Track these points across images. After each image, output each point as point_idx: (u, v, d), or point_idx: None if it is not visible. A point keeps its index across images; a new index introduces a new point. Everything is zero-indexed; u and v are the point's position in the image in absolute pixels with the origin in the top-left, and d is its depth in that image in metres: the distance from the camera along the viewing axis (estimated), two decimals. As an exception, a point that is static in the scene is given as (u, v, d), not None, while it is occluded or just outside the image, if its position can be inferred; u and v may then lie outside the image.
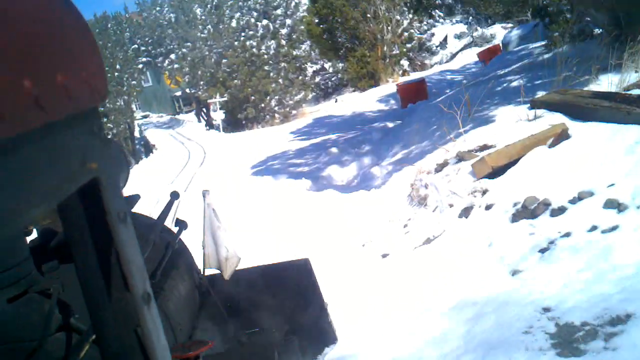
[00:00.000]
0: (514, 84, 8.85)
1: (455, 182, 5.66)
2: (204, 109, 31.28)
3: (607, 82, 6.23)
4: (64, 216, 0.78)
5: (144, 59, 45.17)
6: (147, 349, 0.81)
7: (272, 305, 3.37)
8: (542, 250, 3.80)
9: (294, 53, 29.28)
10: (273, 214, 7.69)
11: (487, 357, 2.92)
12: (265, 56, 28.48)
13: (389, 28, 26.74)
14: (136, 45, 43.78)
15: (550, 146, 5.25)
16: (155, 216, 2.75)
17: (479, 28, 29.15)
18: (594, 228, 3.72)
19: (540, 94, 7.02)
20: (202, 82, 29.53)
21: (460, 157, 6.13)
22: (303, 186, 9.52)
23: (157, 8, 48.74)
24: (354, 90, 28.19)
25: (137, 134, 37.58)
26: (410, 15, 26.99)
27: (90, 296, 0.82)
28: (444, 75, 21.73)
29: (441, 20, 29.78)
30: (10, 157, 0.49)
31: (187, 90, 32.34)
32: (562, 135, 5.31)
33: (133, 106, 39.20)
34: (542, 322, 3.04)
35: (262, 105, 28.04)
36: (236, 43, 28.85)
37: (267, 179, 10.85)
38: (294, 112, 28.63)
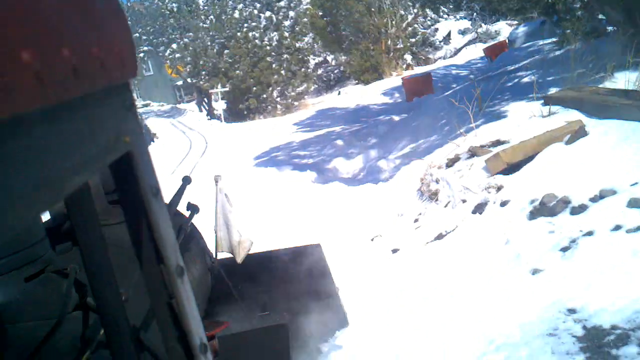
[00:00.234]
0: (525, 79, 8.71)
1: (468, 177, 5.54)
2: (205, 99, 31.04)
3: (624, 80, 6.10)
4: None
5: (145, 48, 44.78)
6: (182, 321, 0.83)
7: (284, 288, 3.49)
8: (564, 249, 3.68)
9: (297, 45, 29.00)
10: (278, 206, 7.57)
11: (510, 359, 2.80)
12: (268, 47, 28.23)
13: (393, 22, 26.55)
14: (137, 34, 43.46)
15: (567, 143, 5.14)
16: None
17: (483, 24, 28.93)
18: (618, 227, 3.60)
19: (553, 90, 6.90)
20: (203, 72, 29.26)
21: (473, 153, 6.01)
22: (308, 178, 9.37)
23: (159, -3, 48.35)
24: (357, 83, 27.99)
25: (137, 122, 37.25)
26: (415, 10, 26.81)
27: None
28: (449, 70, 21.51)
29: (445, 15, 29.55)
30: (53, 125, 0.50)
31: (189, 80, 32.02)
32: (579, 132, 5.19)
33: (134, 95, 38.95)
34: (568, 324, 2.91)
35: (264, 96, 27.83)
36: (239, 34, 28.58)
37: (271, 170, 10.70)
38: (295, 103, 28.44)
